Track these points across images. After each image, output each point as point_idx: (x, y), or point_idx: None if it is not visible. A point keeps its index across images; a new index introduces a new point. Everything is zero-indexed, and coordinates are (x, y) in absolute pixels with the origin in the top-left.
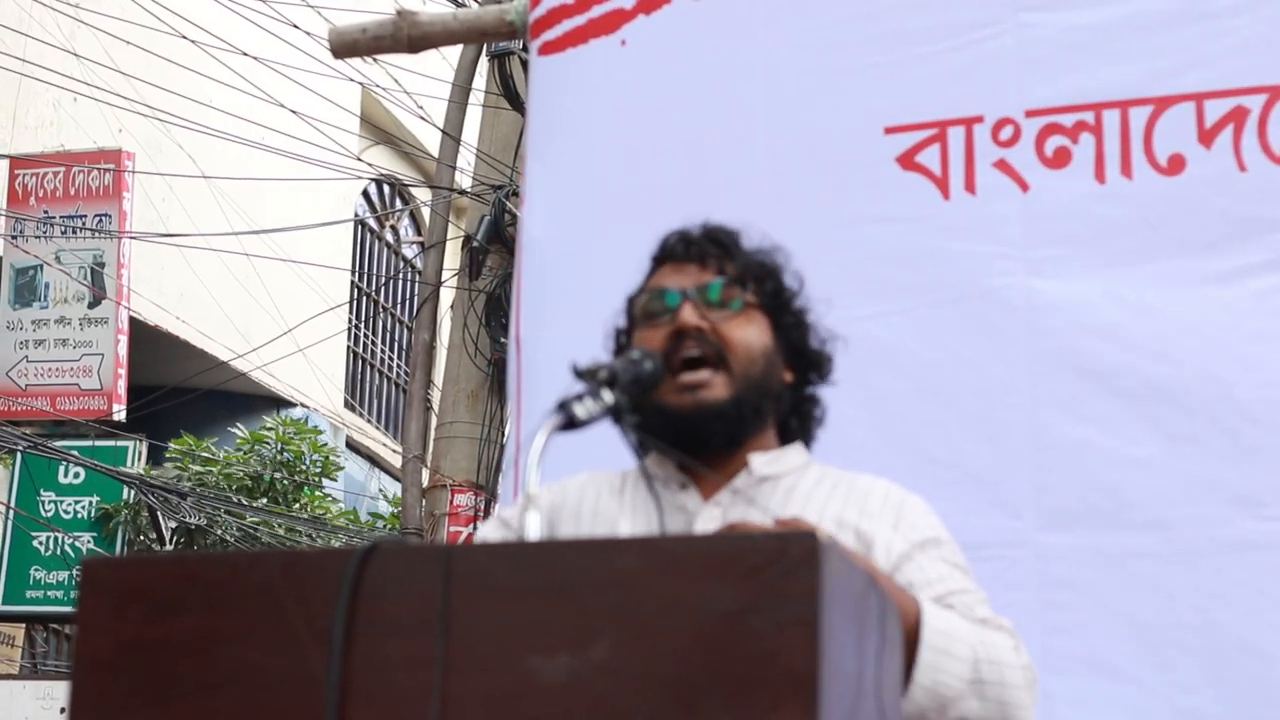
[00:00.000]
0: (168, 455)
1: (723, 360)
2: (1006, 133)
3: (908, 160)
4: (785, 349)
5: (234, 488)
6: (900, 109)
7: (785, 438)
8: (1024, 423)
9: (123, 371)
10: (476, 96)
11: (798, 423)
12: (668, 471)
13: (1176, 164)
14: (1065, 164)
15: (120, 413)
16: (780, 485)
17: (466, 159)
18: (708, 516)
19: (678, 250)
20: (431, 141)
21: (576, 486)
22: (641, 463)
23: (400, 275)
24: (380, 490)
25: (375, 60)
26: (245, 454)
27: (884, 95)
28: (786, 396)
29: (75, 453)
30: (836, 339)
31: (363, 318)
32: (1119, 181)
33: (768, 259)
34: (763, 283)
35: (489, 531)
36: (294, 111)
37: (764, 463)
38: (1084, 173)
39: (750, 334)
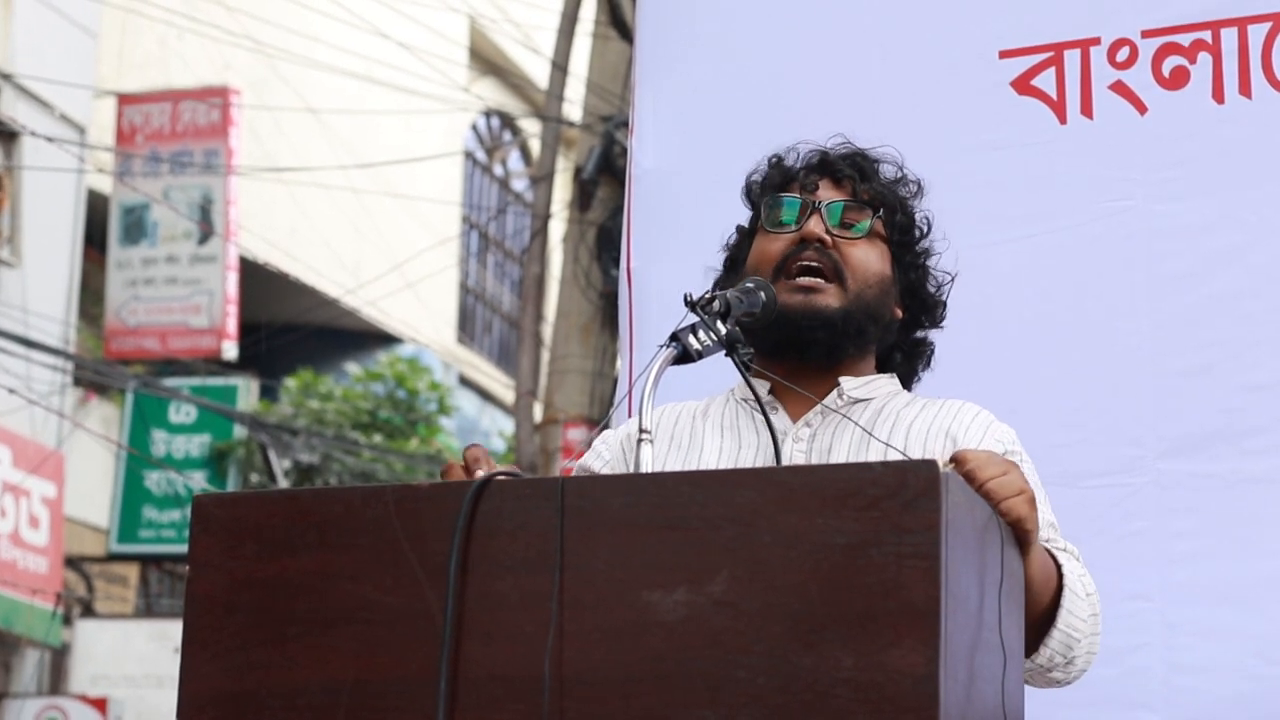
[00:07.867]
0: (283, 390)
1: (839, 275)
2: (1123, 54)
3: (1023, 84)
4: (901, 285)
5: (351, 425)
6: (1015, 32)
7: (884, 372)
8: (1144, 348)
9: (232, 309)
10: (585, 26)
11: (901, 359)
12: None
13: None
14: (1183, 84)
15: (231, 350)
16: (870, 407)
17: (575, 90)
18: (796, 436)
19: (813, 163)
20: (540, 73)
21: (657, 413)
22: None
23: (509, 208)
24: (493, 428)
25: None
26: (362, 392)
27: (999, 18)
28: (893, 330)
29: (186, 391)
30: (951, 285)
31: (472, 252)
32: (1238, 101)
33: (902, 193)
34: (892, 214)
35: (591, 461)
36: (402, 44)
37: (855, 385)
38: (1202, 93)
39: (870, 258)
